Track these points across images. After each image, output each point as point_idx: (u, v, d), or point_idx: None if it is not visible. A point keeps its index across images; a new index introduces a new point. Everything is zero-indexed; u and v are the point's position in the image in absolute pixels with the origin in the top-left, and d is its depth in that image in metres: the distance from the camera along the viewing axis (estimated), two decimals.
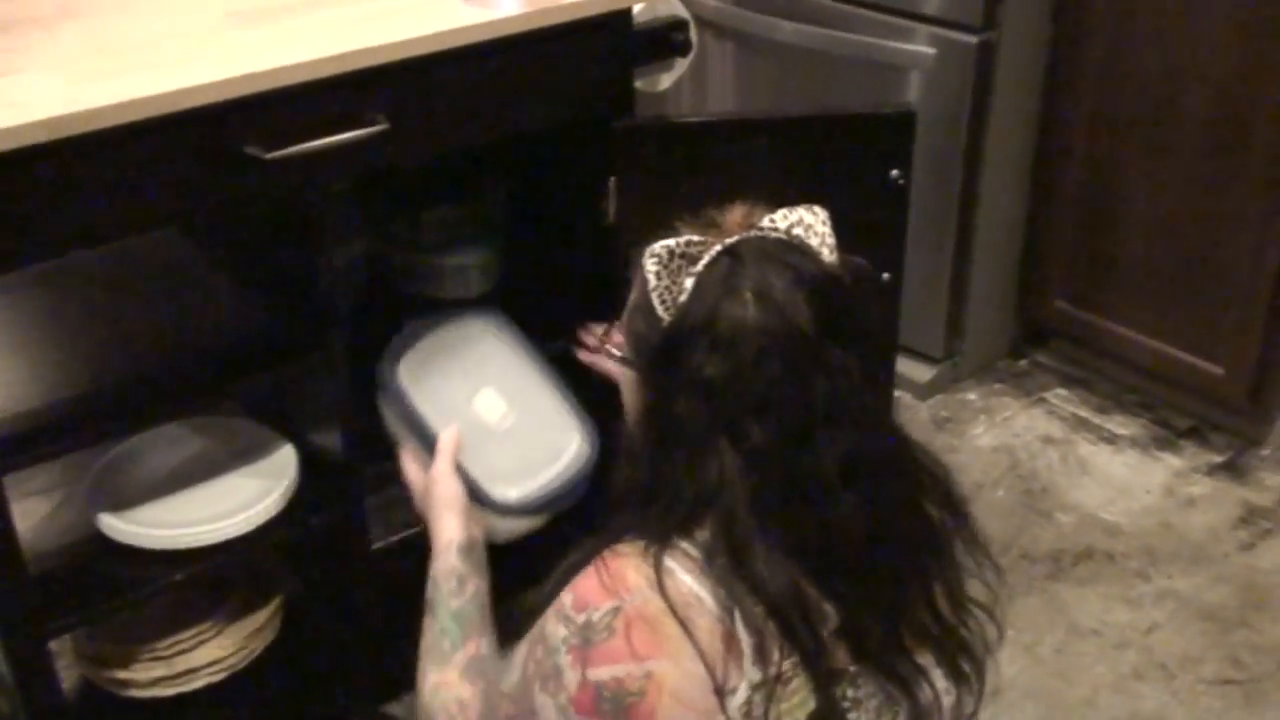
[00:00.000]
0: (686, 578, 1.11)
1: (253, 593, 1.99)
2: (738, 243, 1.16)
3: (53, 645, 1.83)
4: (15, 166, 1.36)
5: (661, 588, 1.10)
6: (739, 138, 1.87)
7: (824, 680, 1.11)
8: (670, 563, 1.11)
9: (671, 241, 1.17)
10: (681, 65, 1.89)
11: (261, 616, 1.97)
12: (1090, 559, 2.34)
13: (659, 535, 1.13)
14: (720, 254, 1.15)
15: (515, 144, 2.01)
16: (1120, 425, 2.68)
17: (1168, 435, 2.65)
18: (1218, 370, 2.54)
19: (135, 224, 1.52)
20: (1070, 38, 2.55)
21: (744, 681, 1.10)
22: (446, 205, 2.00)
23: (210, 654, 1.90)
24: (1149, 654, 2.14)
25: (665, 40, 1.83)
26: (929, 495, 1.24)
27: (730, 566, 1.11)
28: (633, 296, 1.22)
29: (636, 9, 1.74)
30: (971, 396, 2.79)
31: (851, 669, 1.16)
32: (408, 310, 2.01)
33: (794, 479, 1.12)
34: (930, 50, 2.53)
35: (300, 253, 1.69)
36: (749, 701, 1.10)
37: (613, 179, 1.77)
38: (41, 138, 1.35)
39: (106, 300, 1.87)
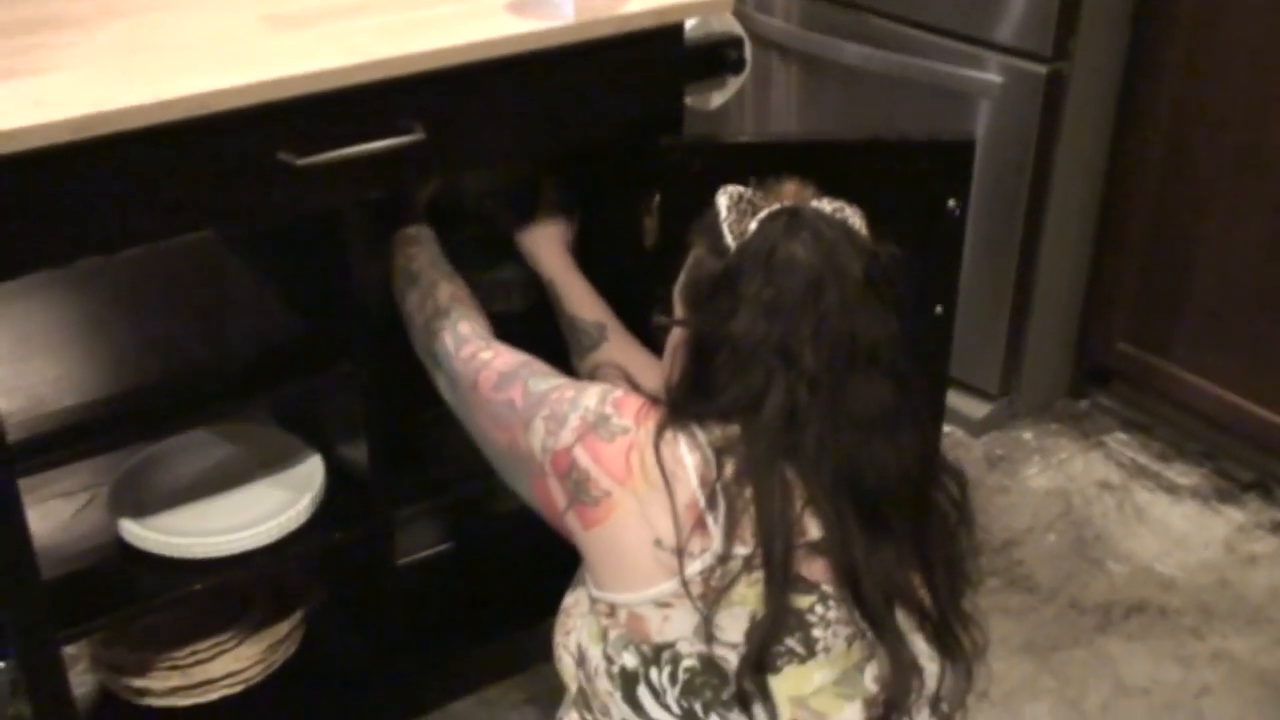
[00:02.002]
0: (683, 450, 1.23)
1: (274, 605, 1.96)
2: (796, 205, 1.31)
3: (70, 650, 1.81)
4: (41, 166, 1.34)
5: (656, 444, 1.23)
6: (792, 159, 1.81)
7: (780, 585, 1.19)
8: (675, 434, 1.24)
9: (740, 187, 1.33)
10: (735, 83, 1.84)
11: (282, 629, 1.94)
12: (1142, 613, 2.25)
13: (683, 415, 1.26)
14: (782, 209, 1.30)
15: (560, 157, 1.97)
16: (1181, 474, 2.59)
17: (1230, 487, 2.55)
18: None
19: (162, 228, 1.50)
20: (1145, 71, 2.47)
21: (710, 550, 1.20)
22: (489, 218, 1.96)
23: (228, 665, 1.88)
24: (1199, 718, 2.05)
25: (719, 57, 1.77)
26: (945, 492, 1.32)
27: (741, 466, 1.21)
28: (694, 250, 1.35)
29: (688, 25, 1.69)
30: (1027, 436, 2.71)
31: (825, 587, 1.22)
32: None
33: (834, 408, 1.22)
34: (998, 79, 2.46)
35: (333, 263, 1.66)
36: (710, 569, 1.19)
37: (656, 196, 1.72)
38: (66, 137, 1.32)
39: (135, 303, 1.85)
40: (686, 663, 1.22)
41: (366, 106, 1.48)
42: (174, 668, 1.86)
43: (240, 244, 1.91)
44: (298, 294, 1.81)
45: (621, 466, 1.25)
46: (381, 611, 1.91)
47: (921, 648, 1.27)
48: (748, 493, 1.21)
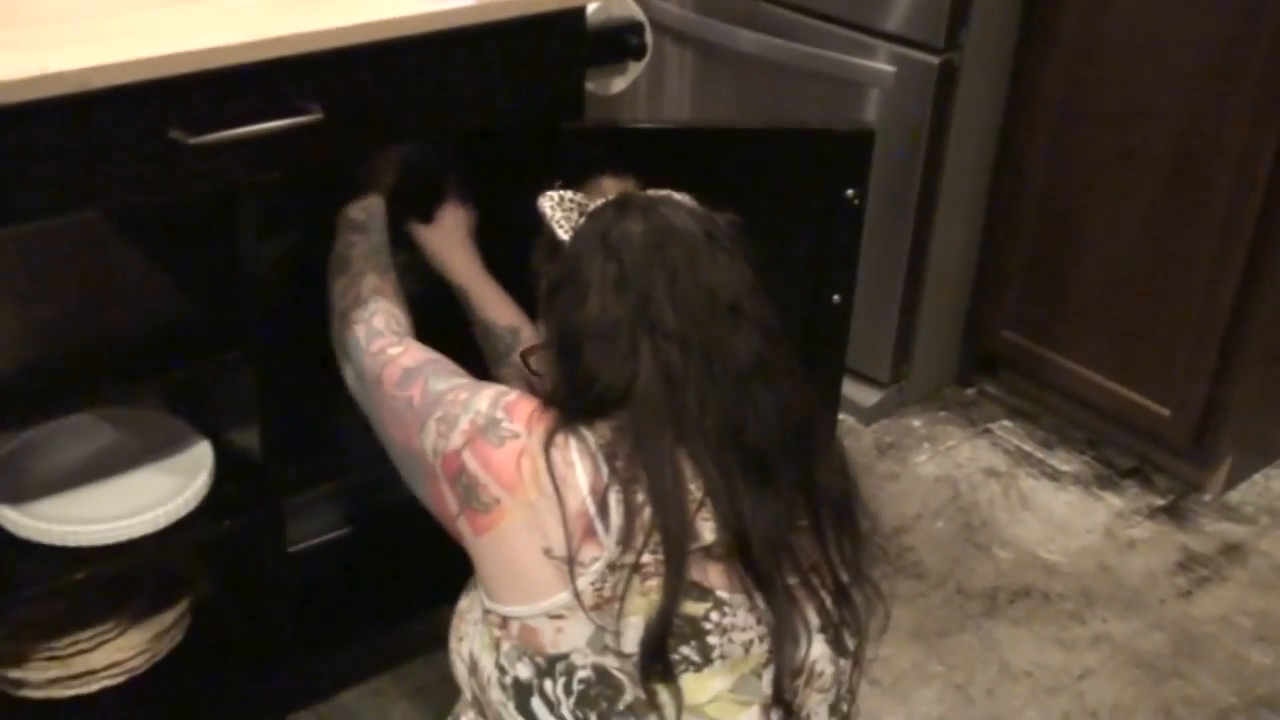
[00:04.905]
0: (574, 455, 1.21)
1: (160, 593, 1.91)
2: (622, 194, 1.32)
3: None
4: None
5: (546, 450, 1.21)
6: (692, 146, 1.81)
7: (678, 565, 1.17)
8: (566, 438, 1.22)
9: (562, 190, 1.34)
10: (635, 69, 1.83)
11: (168, 618, 1.89)
12: (1027, 598, 2.30)
13: (572, 418, 1.24)
14: (608, 202, 1.31)
15: (459, 141, 1.95)
16: (1063, 461, 2.65)
17: (1110, 474, 2.62)
18: (1164, 411, 2.50)
19: (45, 208, 1.44)
20: (1033, 66, 2.51)
21: (601, 560, 1.18)
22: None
23: (110, 655, 1.82)
24: (1080, 700, 2.10)
25: (619, 42, 1.77)
26: (826, 451, 1.31)
27: (630, 453, 1.19)
28: (542, 273, 1.34)
29: (590, 9, 1.68)
30: (916, 423, 2.75)
31: (721, 593, 1.19)
32: None
33: (709, 363, 1.21)
34: (890, 68, 2.48)
35: (224, 245, 1.62)
36: (602, 578, 1.18)
37: (558, 182, 1.70)
38: None
39: (18, 284, 1.79)
40: (581, 674, 1.20)
41: (263, 85, 1.44)
42: (53, 658, 1.80)
43: (130, 224, 1.85)
44: (188, 277, 1.76)
45: (511, 473, 1.22)
46: (271, 600, 1.87)
47: (821, 650, 1.25)
48: (640, 493, 1.19)
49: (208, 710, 1.91)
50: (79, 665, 1.81)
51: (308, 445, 1.97)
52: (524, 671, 1.21)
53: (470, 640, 1.27)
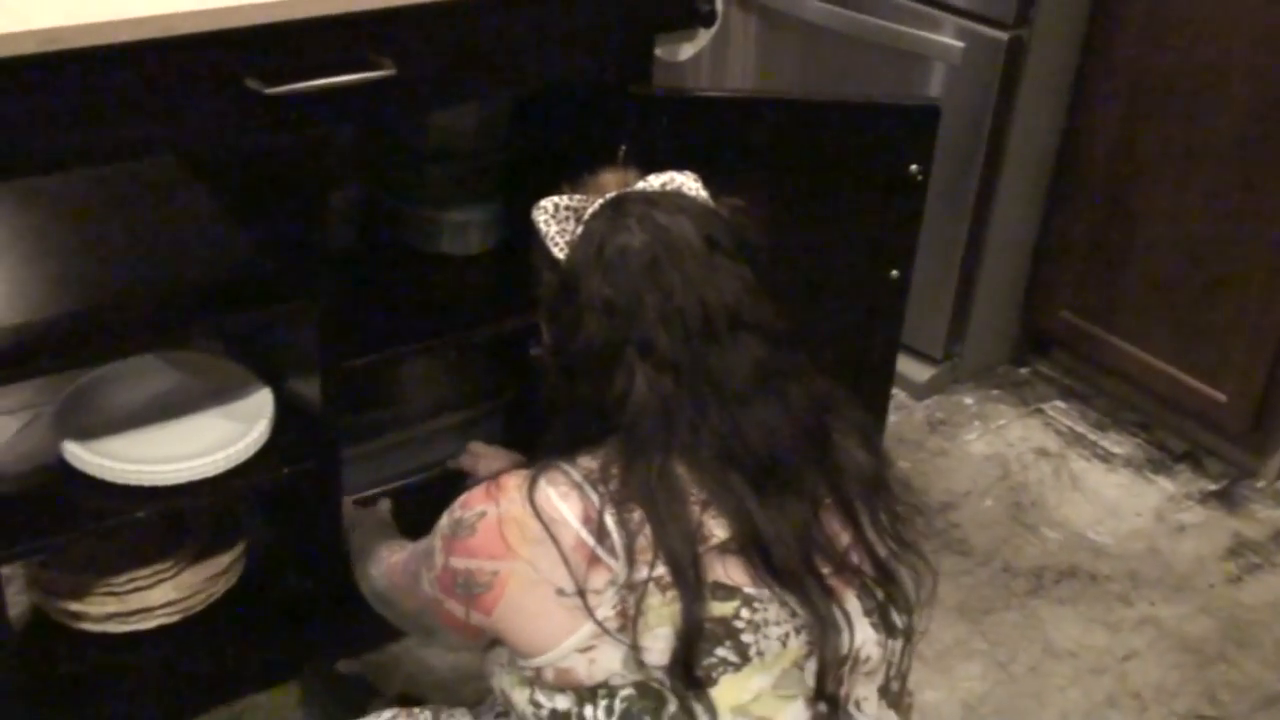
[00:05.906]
0: (552, 492, 1.19)
1: (217, 535, 1.95)
2: (619, 195, 1.26)
3: (4, 570, 1.79)
4: (2, 76, 1.31)
5: (531, 496, 1.19)
6: (757, 117, 1.81)
7: (692, 588, 1.15)
8: (543, 481, 1.20)
9: (557, 197, 1.27)
10: (705, 36, 1.83)
11: (224, 560, 1.93)
12: (1073, 578, 2.30)
13: (546, 454, 1.23)
14: (604, 204, 1.25)
15: (529, 102, 1.96)
16: (1116, 443, 2.64)
17: (1163, 458, 2.61)
18: (1220, 396, 2.49)
19: (124, 149, 1.47)
20: (1103, 43, 2.49)
21: (615, 582, 1.15)
22: (452, 159, 1.95)
23: (167, 594, 1.87)
24: (1124, 682, 2.10)
25: (690, 8, 1.77)
26: (850, 436, 1.28)
27: (621, 476, 1.18)
28: (537, 259, 1.30)
29: None
30: (968, 401, 2.74)
31: (748, 590, 1.18)
32: (402, 262, 1.97)
33: (707, 380, 1.18)
34: (958, 43, 2.46)
35: (295, 194, 1.64)
36: (622, 599, 1.15)
37: (623, 147, 1.71)
38: (30, 49, 1.30)
39: (93, 223, 1.82)
40: (623, 693, 1.18)
41: (339, 38, 1.46)
42: (111, 594, 1.85)
43: (202, 170, 1.88)
44: (257, 224, 1.78)
45: (498, 544, 1.19)
46: (325, 547, 1.90)
47: (866, 634, 1.23)
48: (636, 511, 1.16)
49: (258, 652, 1.94)
50: (136, 602, 1.85)
51: (367, 396, 2.00)
52: (562, 703, 1.19)
53: (499, 679, 1.25)
